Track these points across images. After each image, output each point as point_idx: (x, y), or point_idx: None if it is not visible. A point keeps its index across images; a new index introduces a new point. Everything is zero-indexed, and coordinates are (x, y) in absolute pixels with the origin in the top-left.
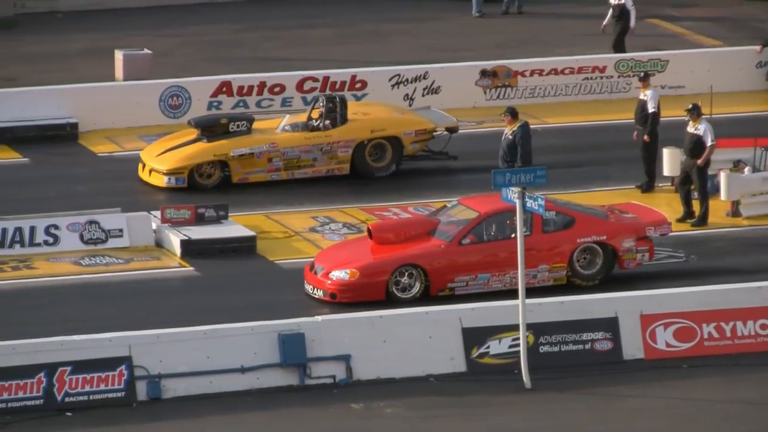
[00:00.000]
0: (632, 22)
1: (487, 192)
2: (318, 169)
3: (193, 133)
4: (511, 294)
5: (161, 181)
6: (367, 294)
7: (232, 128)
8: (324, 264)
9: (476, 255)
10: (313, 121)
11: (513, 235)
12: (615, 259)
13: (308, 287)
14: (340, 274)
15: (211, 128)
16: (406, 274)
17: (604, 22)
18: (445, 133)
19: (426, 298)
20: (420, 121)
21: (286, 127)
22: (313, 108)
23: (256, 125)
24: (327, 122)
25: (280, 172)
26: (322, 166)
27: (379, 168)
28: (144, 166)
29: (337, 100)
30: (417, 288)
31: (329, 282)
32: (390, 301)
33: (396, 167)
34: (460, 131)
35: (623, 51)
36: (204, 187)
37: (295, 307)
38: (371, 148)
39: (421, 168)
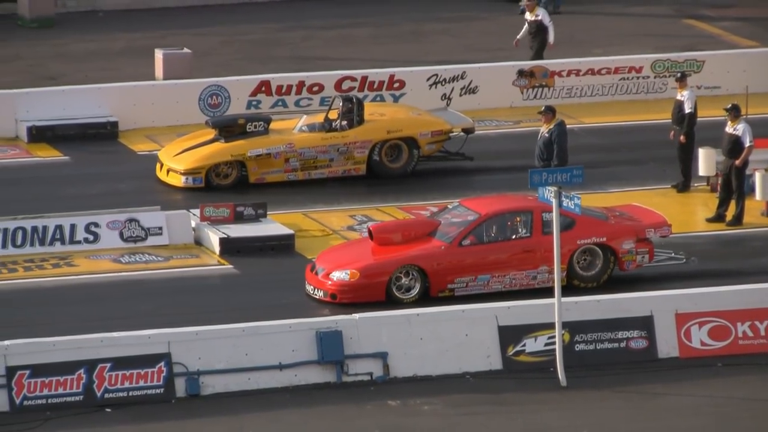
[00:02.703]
0: (551, 38)
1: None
2: (334, 170)
3: (211, 133)
4: (514, 295)
5: (179, 180)
6: (368, 295)
7: (250, 129)
8: (325, 265)
9: (476, 256)
10: (330, 121)
11: (513, 237)
12: (615, 260)
13: (309, 288)
14: (340, 275)
15: (228, 128)
16: (407, 275)
17: (518, 37)
18: (462, 134)
19: (426, 298)
20: (436, 122)
21: (303, 128)
22: (330, 109)
23: (273, 126)
24: (344, 123)
25: (297, 172)
26: (338, 167)
27: (396, 168)
28: (162, 165)
29: (354, 101)
30: (417, 289)
31: (330, 283)
32: (390, 302)
33: (412, 168)
34: (496, 131)
35: (541, 57)
36: (221, 188)
37: (330, 304)
38: (387, 149)
39: (439, 168)
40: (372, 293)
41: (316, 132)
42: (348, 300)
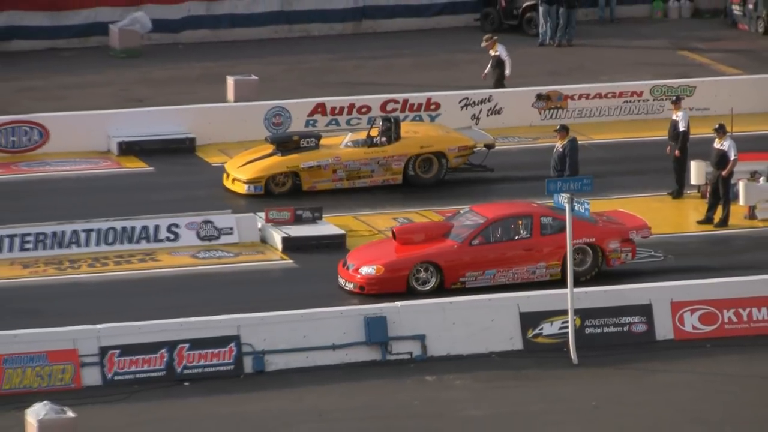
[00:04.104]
0: (508, 71)
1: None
2: (375, 180)
3: (270, 148)
4: (516, 287)
5: (242, 188)
6: (391, 286)
7: (303, 144)
8: (355, 261)
9: (484, 254)
10: (372, 138)
11: (516, 237)
12: (603, 257)
13: (341, 281)
14: (368, 270)
15: (284, 144)
16: (424, 269)
17: (485, 71)
18: (484, 149)
19: (441, 290)
20: (462, 138)
21: (349, 144)
22: (371, 127)
23: (323, 141)
24: (383, 139)
25: (343, 181)
26: (378, 177)
27: (427, 178)
28: (228, 175)
29: (392, 121)
30: (433, 282)
31: (359, 276)
32: (410, 293)
33: (442, 177)
34: (518, 146)
35: (503, 87)
36: (278, 195)
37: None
38: (420, 162)
39: (464, 178)
40: (395, 285)
41: (360, 147)
42: (374, 291)
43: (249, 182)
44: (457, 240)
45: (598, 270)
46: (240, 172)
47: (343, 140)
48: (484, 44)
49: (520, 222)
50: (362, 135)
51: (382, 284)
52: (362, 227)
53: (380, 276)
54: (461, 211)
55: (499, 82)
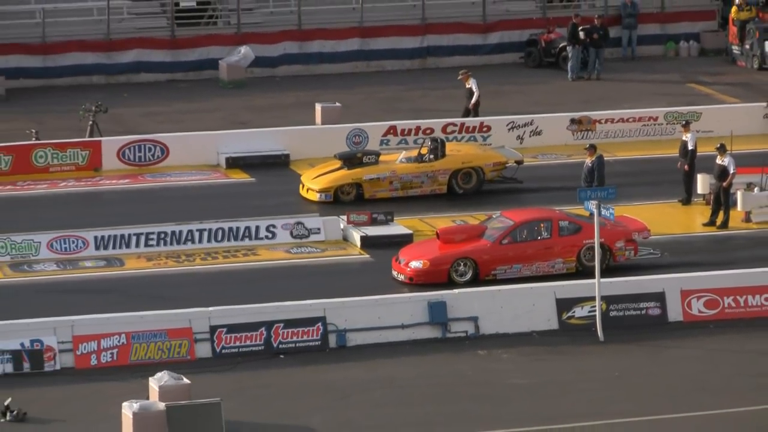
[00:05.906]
0: (473, 101)
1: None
2: (424, 190)
3: (338, 163)
4: (536, 279)
5: (315, 197)
6: (435, 278)
7: (365, 160)
8: (405, 256)
9: (512, 251)
10: (422, 155)
11: (538, 238)
12: (610, 255)
13: (394, 273)
14: (416, 264)
15: (350, 160)
16: (462, 264)
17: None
18: (515, 164)
19: (476, 281)
20: (496, 155)
21: (403, 160)
22: (422, 146)
23: (382, 158)
24: (431, 156)
25: (398, 191)
26: (427, 187)
27: (468, 189)
28: (303, 186)
29: (439, 141)
30: (470, 274)
31: (408, 269)
32: (450, 283)
33: (479, 188)
34: (555, 161)
35: (477, 116)
36: (344, 202)
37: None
38: (462, 175)
39: (499, 188)
40: (438, 277)
41: (412, 163)
42: (421, 282)
43: (321, 191)
44: (490, 239)
45: (607, 265)
46: (313, 183)
47: (398, 157)
48: (459, 77)
49: (542, 225)
50: (414, 153)
51: (428, 276)
52: (426, 228)
53: (426, 269)
54: (493, 216)
55: (469, 110)
